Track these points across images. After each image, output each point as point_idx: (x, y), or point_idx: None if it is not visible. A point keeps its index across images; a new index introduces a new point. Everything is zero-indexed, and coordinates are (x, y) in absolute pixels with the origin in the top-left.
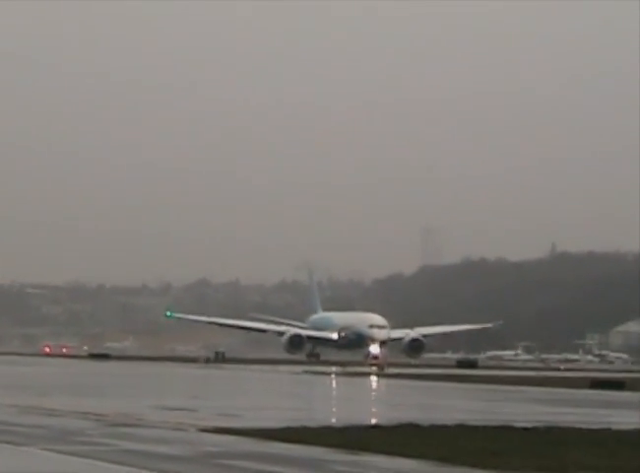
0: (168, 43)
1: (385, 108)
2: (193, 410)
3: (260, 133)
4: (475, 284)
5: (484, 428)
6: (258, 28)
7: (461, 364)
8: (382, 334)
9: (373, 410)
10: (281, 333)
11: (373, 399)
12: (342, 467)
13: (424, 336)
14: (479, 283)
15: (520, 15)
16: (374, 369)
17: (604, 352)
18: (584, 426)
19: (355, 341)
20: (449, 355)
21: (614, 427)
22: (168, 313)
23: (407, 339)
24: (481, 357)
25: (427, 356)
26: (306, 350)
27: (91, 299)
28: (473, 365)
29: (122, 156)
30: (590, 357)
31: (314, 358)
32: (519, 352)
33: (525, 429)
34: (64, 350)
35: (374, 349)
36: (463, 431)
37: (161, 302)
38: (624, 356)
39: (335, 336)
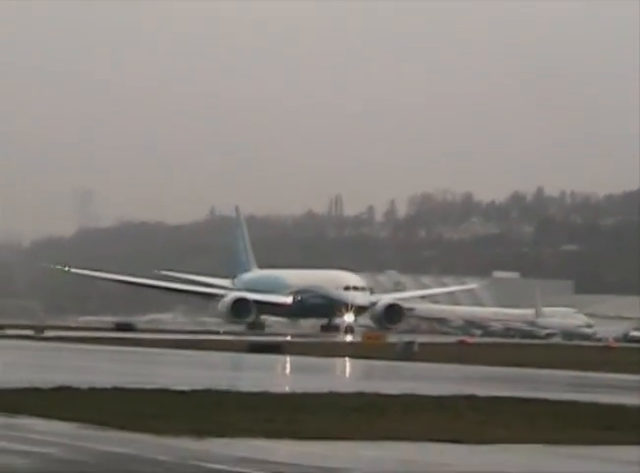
0: None
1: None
2: None
3: None
4: (132, 247)
5: (141, 391)
6: None
7: (119, 326)
8: (362, 298)
9: (29, 373)
10: (214, 296)
11: (32, 363)
12: None
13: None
14: (137, 246)
15: None
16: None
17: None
18: (241, 389)
19: (322, 307)
20: (108, 318)
21: (271, 390)
22: (66, 268)
23: (381, 305)
24: (140, 320)
25: (84, 318)
26: (250, 318)
27: None
28: (131, 327)
29: None
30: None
31: (258, 328)
32: (177, 315)
33: (182, 392)
34: None
35: (349, 317)
36: (119, 394)
37: None
38: (282, 320)
39: (289, 300)
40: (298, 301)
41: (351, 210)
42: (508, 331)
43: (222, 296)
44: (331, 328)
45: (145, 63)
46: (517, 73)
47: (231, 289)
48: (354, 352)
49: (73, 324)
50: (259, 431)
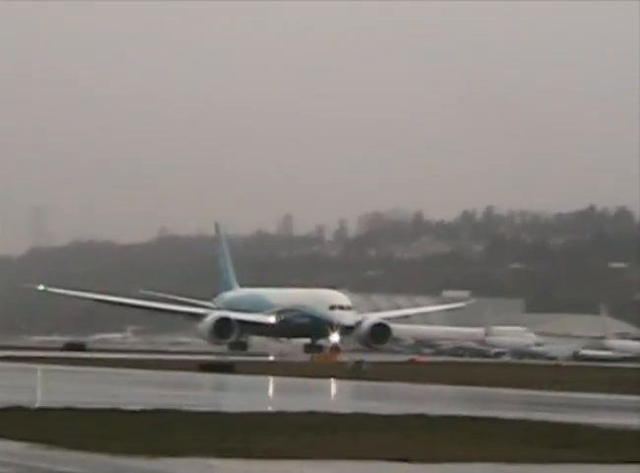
0: None
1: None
2: None
3: None
4: (84, 266)
5: (93, 411)
6: None
7: (70, 346)
8: (348, 318)
9: None
10: (196, 315)
11: None
12: None
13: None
14: (88, 265)
15: None
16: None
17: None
18: (193, 409)
19: (307, 327)
20: (57, 337)
21: (224, 409)
22: (42, 287)
23: (367, 324)
24: (91, 340)
25: (35, 338)
26: (232, 338)
27: None
28: (81, 347)
29: None
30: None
31: (240, 348)
32: (127, 335)
33: (133, 412)
34: None
35: (335, 337)
36: (71, 414)
37: None
38: None
39: (272, 320)
40: (282, 320)
41: (300, 229)
42: (458, 350)
43: (203, 315)
44: (315, 348)
45: (102, 85)
46: (466, 94)
47: (213, 308)
48: (306, 371)
49: (23, 344)
50: (212, 450)
